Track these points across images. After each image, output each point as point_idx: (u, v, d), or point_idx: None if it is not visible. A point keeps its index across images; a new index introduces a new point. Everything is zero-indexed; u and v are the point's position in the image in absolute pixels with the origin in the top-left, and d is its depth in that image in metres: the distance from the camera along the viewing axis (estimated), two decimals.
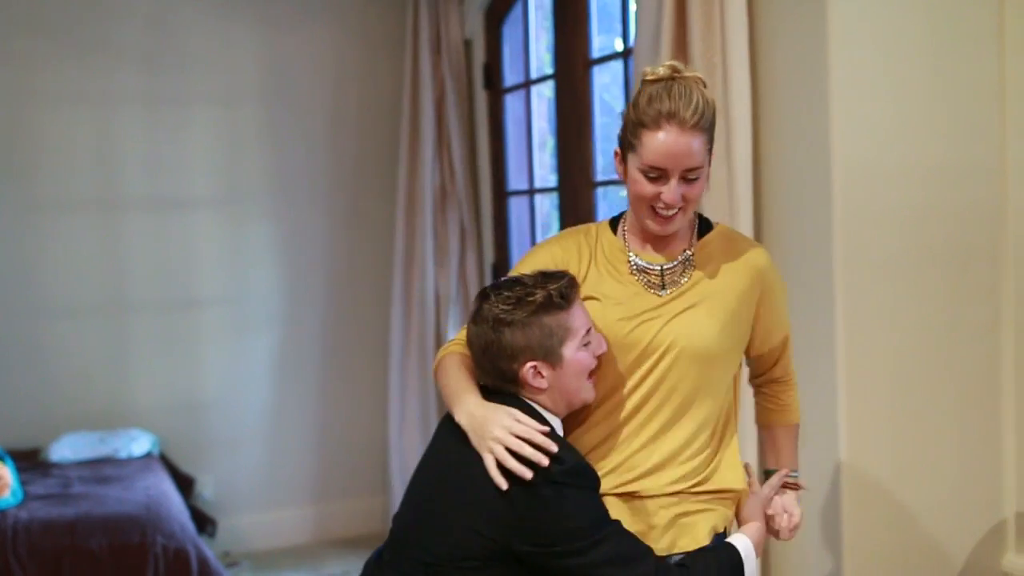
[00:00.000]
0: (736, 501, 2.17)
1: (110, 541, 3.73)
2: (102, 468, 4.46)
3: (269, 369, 5.20)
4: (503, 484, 1.90)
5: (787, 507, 2.28)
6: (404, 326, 5.03)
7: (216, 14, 5.01)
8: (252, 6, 5.06)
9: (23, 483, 4.20)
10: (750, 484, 2.23)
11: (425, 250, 4.94)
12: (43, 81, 4.78)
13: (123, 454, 4.65)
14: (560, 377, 2.03)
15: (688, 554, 2.05)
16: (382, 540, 2.18)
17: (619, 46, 4.04)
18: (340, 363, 5.31)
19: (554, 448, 1.92)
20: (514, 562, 1.93)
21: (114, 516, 3.84)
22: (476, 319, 2.05)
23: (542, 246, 2.28)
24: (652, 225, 2.10)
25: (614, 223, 2.24)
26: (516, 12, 4.75)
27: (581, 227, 2.29)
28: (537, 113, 4.71)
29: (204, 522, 4.75)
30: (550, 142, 4.70)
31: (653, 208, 2.07)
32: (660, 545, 2.03)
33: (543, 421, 2.00)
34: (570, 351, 2.02)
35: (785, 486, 2.29)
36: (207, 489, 5.03)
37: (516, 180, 4.86)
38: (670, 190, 2.03)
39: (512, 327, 2.00)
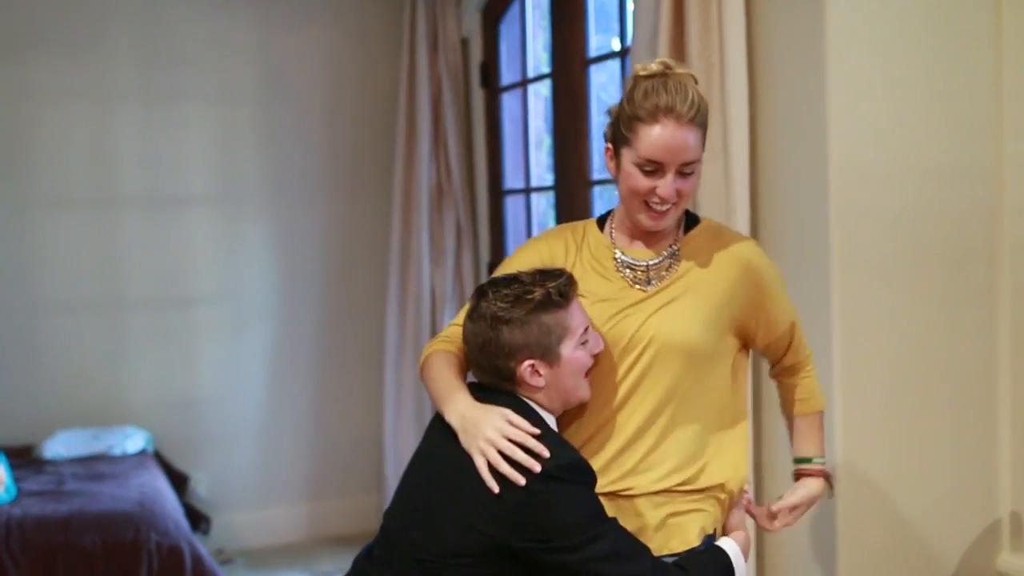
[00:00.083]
0: (728, 498, 2.16)
1: (104, 538, 3.73)
2: (96, 465, 4.45)
3: (264, 367, 5.20)
4: (494, 487, 1.90)
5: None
6: (399, 324, 5.02)
7: (212, 12, 5.00)
8: (249, 4, 5.06)
9: (16, 480, 4.19)
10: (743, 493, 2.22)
11: (421, 248, 4.93)
12: (39, 79, 4.77)
13: (117, 451, 4.64)
14: (557, 376, 2.02)
15: (683, 556, 2.04)
16: None
17: (616, 45, 4.04)
18: (335, 361, 5.31)
19: (546, 453, 1.91)
20: (509, 558, 1.93)
21: (108, 513, 3.83)
22: (473, 316, 2.05)
23: (529, 244, 2.28)
24: (645, 220, 2.09)
25: (602, 221, 2.24)
26: (513, 11, 4.75)
27: (568, 224, 2.30)
28: (534, 112, 4.71)
29: (198, 519, 4.74)
30: (547, 141, 4.70)
31: (647, 203, 2.07)
32: (652, 546, 2.02)
33: (539, 419, 2.00)
34: (568, 350, 2.02)
35: (807, 474, 2.26)
36: (201, 486, 5.02)
37: (512, 179, 4.86)
38: (666, 184, 2.03)
39: (510, 325, 1.99)
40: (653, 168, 2.03)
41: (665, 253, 2.14)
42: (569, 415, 2.12)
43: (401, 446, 4.98)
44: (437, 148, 4.97)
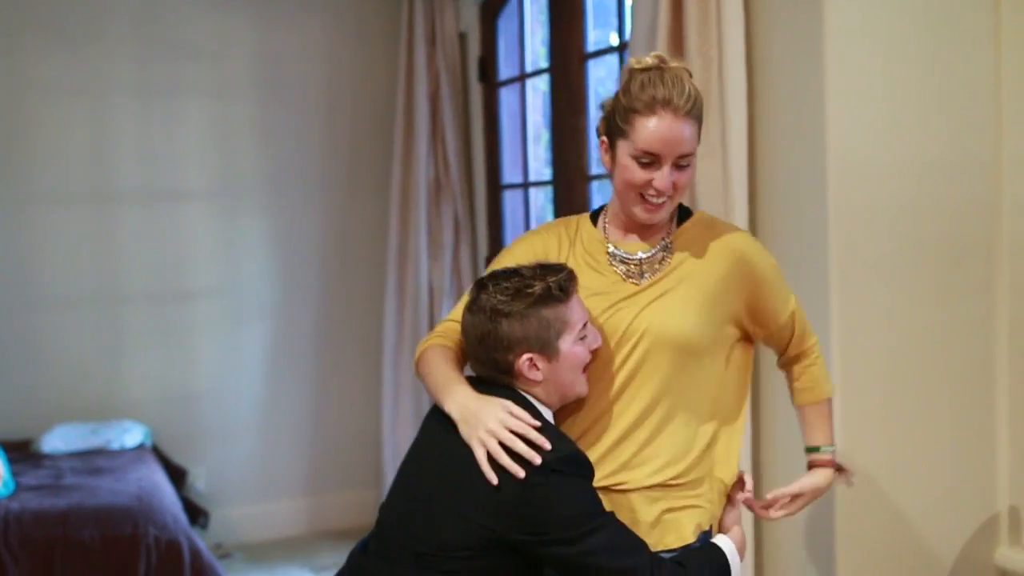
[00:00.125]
0: (724, 493, 2.16)
1: (102, 532, 3.73)
2: (94, 459, 4.45)
3: (262, 361, 5.20)
4: (493, 479, 1.90)
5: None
6: (398, 319, 5.02)
7: (210, 7, 5.00)
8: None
9: (15, 474, 4.19)
10: (740, 490, 2.22)
11: (419, 243, 4.93)
12: (36, 74, 4.76)
13: (115, 445, 4.64)
14: (555, 370, 2.02)
15: (680, 552, 2.04)
16: None
17: (614, 40, 4.04)
18: (333, 355, 5.31)
19: (547, 445, 1.91)
20: (507, 551, 1.93)
21: (106, 507, 3.83)
22: (473, 308, 2.04)
23: (522, 239, 2.28)
24: (640, 213, 2.09)
25: (595, 216, 2.24)
26: (511, 6, 4.75)
27: (562, 219, 2.30)
28: (532, 107, 4.71)
29: (196, 514, 4.74)
30: (545, 136, 4.70)
31: (642, 195, 2.07)
32: (648, 542, 2.03)
33: (536, 413, 2.00)
34: (567, 344, 2.02)
35: (816, 464, 2.24)
36: (199, 481, 5.03)
37: (511, 173, 4.86)
38: (662, 176, 2.03)
39: (510, 318, 1.99)
40: (650, 160, 2.03)
41: (658, 246, 2.14)
42: (565, 409, 2.11)
43: (399, 440, 4.98)
44: (435, 143, 4.97)
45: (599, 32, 4.24)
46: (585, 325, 2.04)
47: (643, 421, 2.08)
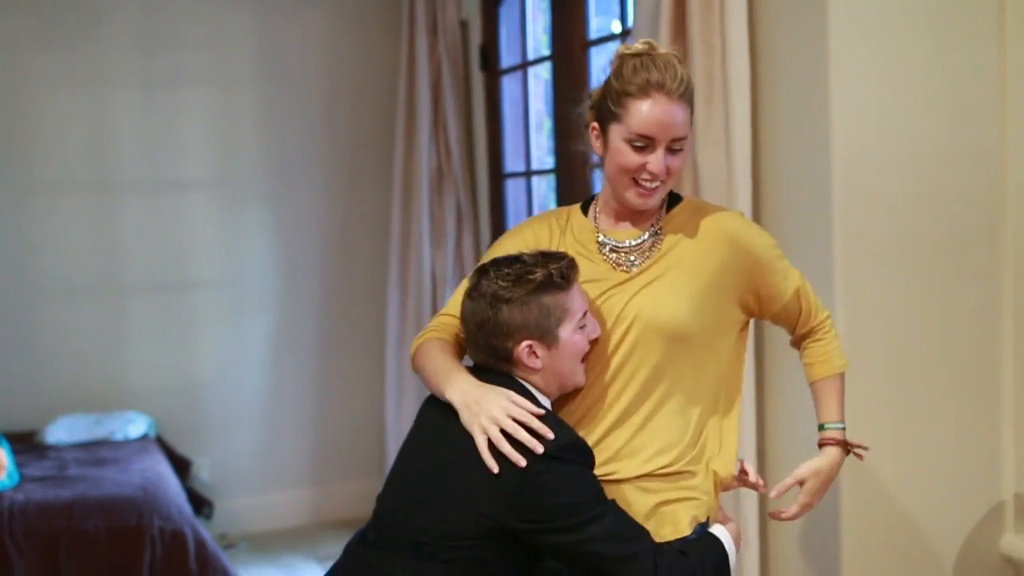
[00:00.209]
0: (719, 484, 2.14)
1: (107, 523, 3.73)
2: (98, 450, 4.46)
3: (265, 351, 5.20)
4: (494, 467, 1.89)
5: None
6: (400, 307, 5.02)
7: None
8: None
9: (19, 465, 4.19)
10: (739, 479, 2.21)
11: (421, 232, 4.93)
12: (37, 64, 4.75)
13: (119, 436, 4.64)
14: (555, 358, 2.01)
15: (681, 541, 2.03)
16: None
17: (617, 28, 4.02)
18: (336, 345, 5.31)
19: (550, 434, 1.91)
20: (508, 539, 1.93)
21: (110, 498, 3.83)
22: (473, 294, 2.04)
23: (513, 231, 2.27)
24: (633, 198, 2.08)
25: (586, 206, 2.23)
26: None
27: (553, 210, 2.30)
28: (534, 95, 4.70)
29: (201, 504, 4.75)
30: (547, 124, 4.69)
31: (635, 180, 2.06)
32: None
33: (535, 402, 1.99)
34: (566, 332, 2.01)
35: (823, 442, 2.20)
36: (204, 471, 5.03)
37: (513, 162, 4.85)
38: (656, 159, 2.03)
39: (510, 304, 1.98)
40: (644, 144, 2.03)
41: (647, 233, 2.14)
42: (559, 397, 2.10)
43: (403, 429, 4.98)
44: (437, 132, 4.96)
45: (601, 19, 4.22)
46: (585, 314, 2.04)
47: (635, 409, 2.07)
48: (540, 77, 4.68)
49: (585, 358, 2.06)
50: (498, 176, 4.91)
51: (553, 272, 2.00)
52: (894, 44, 2.87)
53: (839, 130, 2.81)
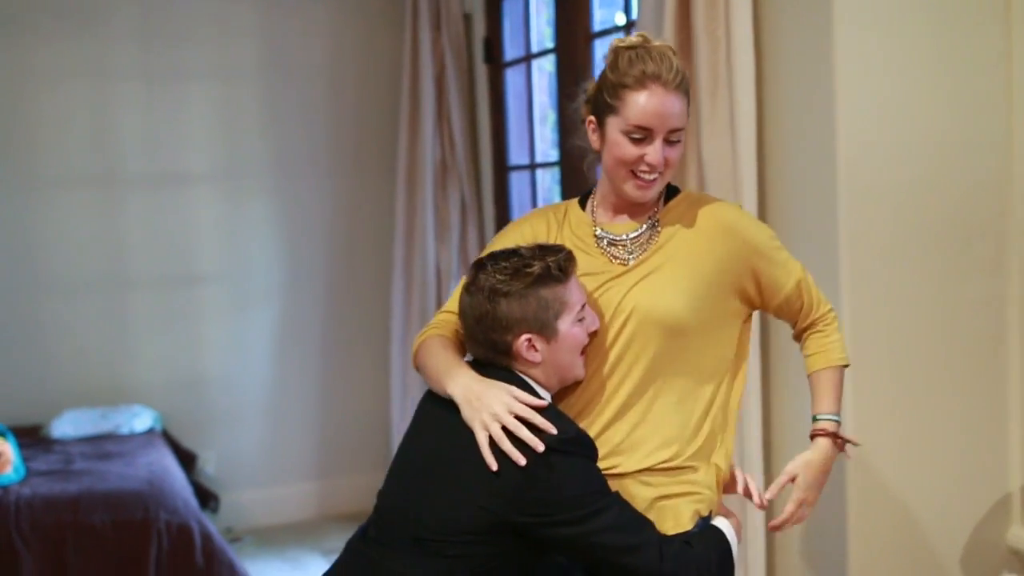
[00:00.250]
0: (720, 477, 2.13)
1: (113, 517, 3.74)
2: (104, 444, 4.46)
3: (270, 345, 5.20)
4: (493, 464, 1.89)
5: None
6: (405, 301, 5.02)
7: None
8: None
9: (25, 459, 4.20)
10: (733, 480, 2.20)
11: (426, 225, 4.92)
12: (40, 58, 4.75)
13: (125, 430, 4.65)
14: (554, 351, 2.01)
15: (685, 533, 2.03)
16: None
17: (621, 20, 4.01)
18: (341, 338, 5.31)
19: (553, 429, 1.90)
20: (511, 534, 1.92)
21: (117, 492, 3.84)
22: (471, 289, 2.03)
23: (511, 226, 2.28)
24: (632, 191, 2.08)
25: (584, 200, 2.23)
26: None
27: (551, 205, 2.30)
28: (538, 87, 4.69)
29: (207, 498, 4.76)
30: (551, 116, 4.68)
31: (634, 172, 2.06)
32: None
33: (536, 396, 1.99)
34: (565, 325, 2.01)
35: (813, 435, 2.16)
36: (209, 465, 5.04)
37: (517, 154, 4.84)
38: (654, 151, 2.03)
39: (508, 298, 1.98)
40: (642, 136, 2.03)
41: (645, 226, 2.14)
42: (559, 391, 2.10)
43: (408, 422, 4.98)
44: (441, 125, 4.95)
45: (605, 12, 4.21)
46: (584, 307, 2.04)
47: (634, 401, 2.07)
48: (544, 70, 4.68)
49: (584, 350, 2.06)
50: (502, 169, 4.90)
51: (551, 265, 1.99)
52: (899, 36, 2.87)
53: (844, 122, 2.81)
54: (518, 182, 4.85)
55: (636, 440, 2.07)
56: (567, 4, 4.21)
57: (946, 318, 2.96)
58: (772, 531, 2.10)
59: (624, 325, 2.07)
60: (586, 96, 2.15)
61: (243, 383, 5.16)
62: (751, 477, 2.24)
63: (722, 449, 2.14)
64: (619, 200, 2.14)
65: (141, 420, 4.72)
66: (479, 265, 2.05)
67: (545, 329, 1.99)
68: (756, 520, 3.06)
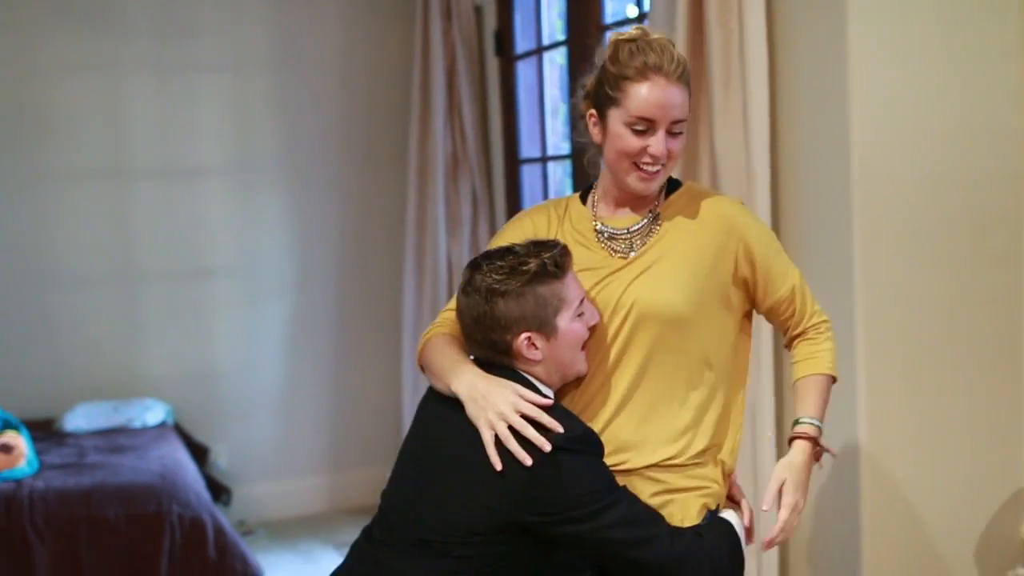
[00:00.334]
0: (725, 474, 2.12)
1: (126, 510, 3.75)
2: (116, 437, 4.48)
3: (282, 338, 5.21)
4: (498, 464, 1.88)
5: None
6: (416, 294, 5.02)
7: None
8: None
9: (38, 452, 4.21)
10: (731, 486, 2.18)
11: (437, 218, 4.92)
12: (51, 50, 4.76)
13: (137, 423, 4.66)
14: (554, 348, 2.00)
15: (696, 525, 2.03)
16: None
17: (632, 12, 4.00)
18: (353, 332, 5.31)
19: (559, 428, 1.90)
20: (520, 533, 1.92)
21: (129, 485, 3.85)
22: (467, 289, 2.02)
23: (513, 222, 2.27)
24: (635, 183, 2.07)
25: (585, 195, 2.23)
26: None
27: (552, 200, 2.29)
28: (549, 80, 4.68)
29: (219, 491, 4.77)
30: (562, 109, 4.67)
31: (637, 164, 2.05)
32: None
33: (539, 394, 1.98)
34: (564, 322, 1.99)
35: (792, 438, 2.08)
36: (221, 458, 5.05)
37: (528, 147, 4.83)
38: (657, 142, 2.02)
39: (506, 297, 1.97)
40: (644, 127, 2.03)
41: (645, 219, 2.13)
42: (561, 388, 2.09)
43: None
44: (452, 118, 4.95)
45: (617, 4, 4.19)
46: (582, 301, 2.02)
47: (639, 396, 2.06)
48: (555, 62, 4.66)
49: (585, 345, 2.05)
50: (513, 162, 4.90)
51: (547, 261, 1.98)
52: (913, 27, 2.85)
53: (858, 113, 2.79)
54: (529, 175, 4.85)
55: (643, 436, 2.06)
56: None
57: (960, 311, 2.94)
58: (768, 548, 2.04)
59: (625, 319, 2.05)
60: (584, 92, 2.14)
61: (255, 376, 5.17)
62: (747, 503, 2.21)
63: (728, 444, 2.13)
64: (621, 194, 2.14)
65: (153, 413, 4.73)
66: (474, 265, 2.04)
67: (544, 327, 1.98)
68: (768, 518, 3.04)
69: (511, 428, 1.90)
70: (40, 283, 4.82)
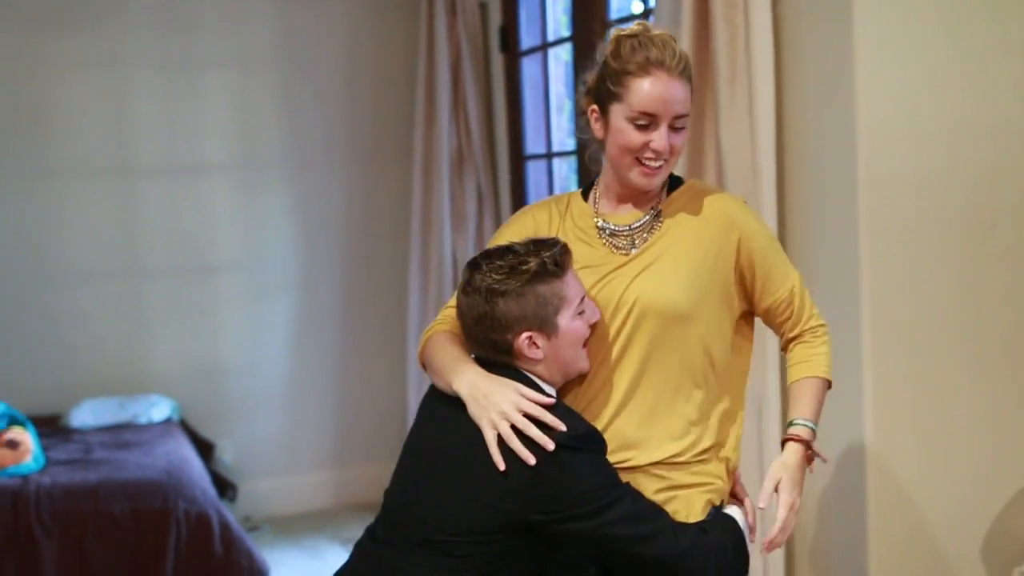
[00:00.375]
0: (729, 470, 2.12)
1: (132, 506, 3.76)
2: (122, 434, 4.49)
3: (287, 334, 5.21)
4: (501, 464, 1.88)
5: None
6: (422, 290, 5.02)
7: None
8: None
9: (44, 448, 4.22)
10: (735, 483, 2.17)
11: (442, 214, 4.92)
12: (55, 48, 4.77)
13: (143, 420, 4.67)
14: (556, 347, 1.99)
15: (700, 521, 2.03)
16: None
17: (638, 8, 4.00)
18: (358, 328, 5.32)
19: (562, 426, 1.89)
20: (523, 531, 1.92)
21: (135, 481, 3.86)
22: (467, 290, 2.01)
23: (514, 219, 2.26)
24: (637, 179, 2.07)
25: (586, 192, 2.22)
26: None
27: (553, 196, 2.29)
28: (554, 76, 4.67)
29: (224, 487, 4.78)
30: (568, 105, 4.67)
31: (639, 159, 2.05)
32: None
33: (542, 393, 1.97)
34: (565, 320, 1.99)
35: (789, 439, 2.08)
36: (227, 454, 5.06)
37: (533, 144, 4.83)
38: (660, 137, 2.02)
39: (506, 297, 1.96)
40: (647, 122, 2.02)
41: (647, 216, 2.12)
42: (564, 385, 2.09)
43: None
44: (457, 114, 4.95)
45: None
46: (583, 299, 2.02)
47: (641, 394, 2.06)
48: (560, 58, 4.66)
49: (587, 343, 2.04)
50: (519, 158, 4.89)
51: (546, 260, 1.97)
52: (920, 21, 2.84)
53: (864, 108, 2.79)
54: (535, 171, 4.85)
55: (647, 434, 2.05)
56: None
57: (966, 307, 2.94)
58: (769, 550, 2.03)
59: (628, 317, 2.05)
60: (585, 88, 2.13)
61: (260, 372, 5.18)
62: (750, 501, 2.20)
63: (732, 441, 2.13)
64: (623, 190, 2.13)
65: (159, 410, 4.74)
66: (474, 265, 2.03)
67: (545, 326, 1.97)
68: (767, 517, 3.04)
69: (514, 427, 1.89)
70: (46, 280, 4.83)
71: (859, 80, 2.78)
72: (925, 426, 2.91)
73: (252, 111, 5.08)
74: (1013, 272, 2.97)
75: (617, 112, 2.04)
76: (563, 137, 4.73)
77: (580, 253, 2.09)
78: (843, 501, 2.96)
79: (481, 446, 1.90)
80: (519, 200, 4.91)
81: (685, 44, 3.09)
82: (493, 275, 1.97)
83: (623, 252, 2.10)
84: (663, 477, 2.05)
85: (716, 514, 2.06)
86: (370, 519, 2.15)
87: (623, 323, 2.05)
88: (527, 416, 1.90)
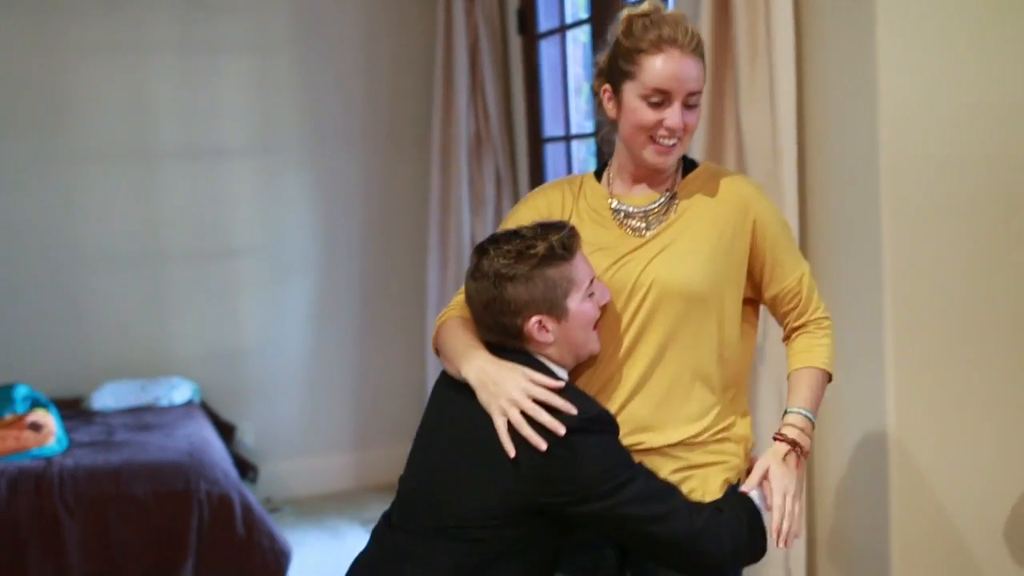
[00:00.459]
0: (746, 450, 2.13)
1: (155, 488, 3.78)
2: (144, 416, 4.52)
3: (307, 316, 5.23)
4: (511, 451, 1.88)
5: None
6: (440, 272, 5.03)
7: None
8: None
9: (67, 431, 4.26)
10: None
11: (461, 197, 4.92)
12: (77, 32, 4.78)
13: (164, 402, 4.70)
14: (566, 330, 1.99)
15: (717, 500, 2.03)
16: None
17: None
18: (377, 310, 5.33)
19: (573, 410, 1.89)
20: (537, 514, 1.92)
21: (158, 463, 3.88)
22: (475, 275, 2.00)
23: (527, 200, 2.25)
24: (651, 157, 2.06)
25: (600, 173, 2.22)
26: None
27: (566, 178, 2.28)
28: (572, 58, 4.66)
29: (245, 468, 4.81)
30: (586, 87, 4.66)
31: (653, 138, 2.04)
32: None
33: (552, 376, 1.97)
34: (575, 303, 1.98)
35: (777, 439, 2.07)
36: (248, 436, 5.08)
37: (552, 126, 4.82)
38: (673, 114, 2.01)
39: (514, 281, 1.95)
40: (660, 99, 2.02)
41: (662, 197, 2.11)
42: (577, 368, 2.09)
43: None
44: (475, 96, 4.94)
45: None
46: (592, 282, 2.01)
47: (656, 377, 2.06)
48: (578, 41, 4.65)
49: (597, 325, 2.04)
50: (537, 141, 4.89)
51: (555, 244, 1.97)
52: (941, 6, 2.82)
53: (885, 90, 2.77)
54: (553, 154, 4.84)
55: (662, 417, 2.06)
56: None
57: (989, 292, 2.91)
58: (780, 542, 1.97)
59: (644, 300, 2.05)
60: (597, 69, 2.12)
61: (280, 355, 5.20)
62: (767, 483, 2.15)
63: (747, 421, 2.14)
64: (637, 170, 2.12)
65: (180, 392, 4.77)
66: (481, 250, 2.02)
67: (555, 309, 1.97)
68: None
69: (524, 413, 1.89)
70: (67, 263, 4.85)
71: (881, 62, 2.76)
72: (946, 413, 2.89)
73: (271, 94, 5.09)
74: None
75: (630, 90, 2.04)
76: (581, 119, 4.72)
77: (593, 234, 2.09)
78: (865, 489, 2.95)
79: (492, 432, 1.91)
80: (537, 182, 4.91)
81: (705, 24, 3.08)
82: (501, 260, 1.97)
83: (638, 234, 2.10)
84: (679, 458, 2.05)
85: (733, 492, 2.05)
86: (390, 500, 2.16)
87: (639, 306, 2.05)
88: (537, 401, 1.90)
